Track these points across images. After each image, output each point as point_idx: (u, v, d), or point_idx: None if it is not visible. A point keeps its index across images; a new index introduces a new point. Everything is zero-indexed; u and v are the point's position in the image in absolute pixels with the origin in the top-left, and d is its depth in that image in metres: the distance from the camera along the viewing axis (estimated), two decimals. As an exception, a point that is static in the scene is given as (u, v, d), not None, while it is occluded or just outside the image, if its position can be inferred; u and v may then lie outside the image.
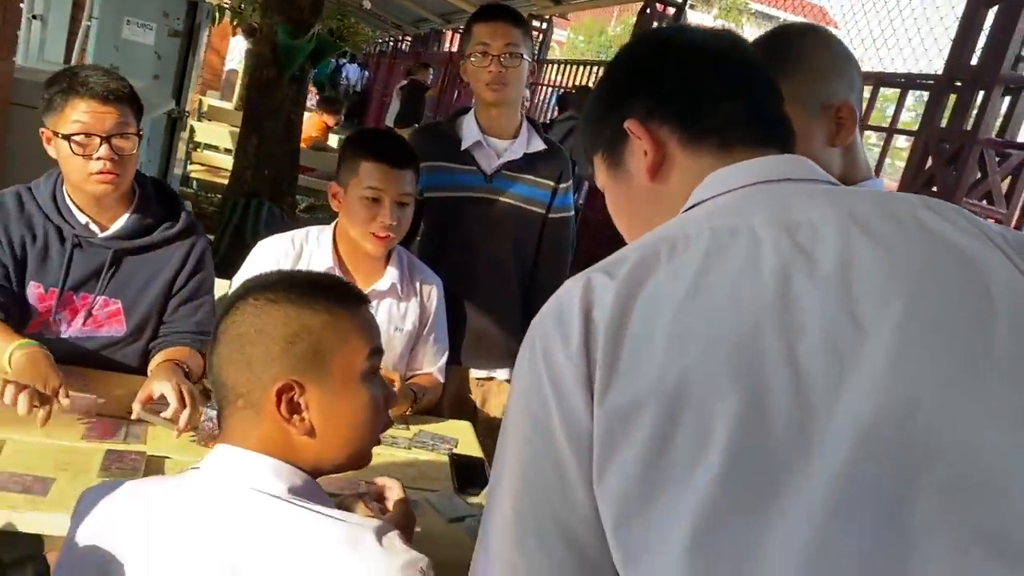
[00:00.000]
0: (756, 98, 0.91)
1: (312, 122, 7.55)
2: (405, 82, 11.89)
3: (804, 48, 1.45)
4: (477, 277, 2.36)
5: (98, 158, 1.77)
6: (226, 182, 6.32)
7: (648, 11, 5.88)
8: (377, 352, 1.16)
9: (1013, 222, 3.10)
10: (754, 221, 0.76)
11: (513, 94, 2.29)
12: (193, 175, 7.05)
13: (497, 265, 2.36)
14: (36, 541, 1.66)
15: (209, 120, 8.01)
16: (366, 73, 18.63)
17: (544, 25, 8.76)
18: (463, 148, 2.32)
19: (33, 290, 1.87)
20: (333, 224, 2.14)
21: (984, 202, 3.12)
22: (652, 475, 0.69)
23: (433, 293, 2.21)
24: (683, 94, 0.91)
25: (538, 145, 2.37)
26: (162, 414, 1.66)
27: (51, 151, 1.83)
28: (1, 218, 1.85)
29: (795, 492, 0.65)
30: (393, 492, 1.41)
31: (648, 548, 0.68)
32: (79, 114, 1.76)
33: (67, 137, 1.76)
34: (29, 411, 1.50)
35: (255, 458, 1.07)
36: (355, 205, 2.00)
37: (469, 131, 2.33)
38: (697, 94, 0.90)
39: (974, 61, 3.12)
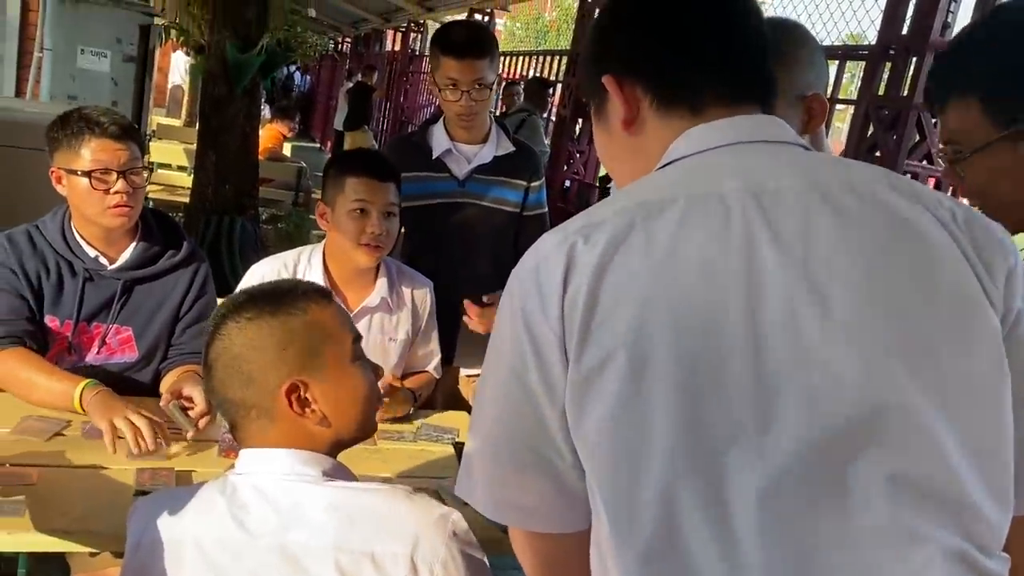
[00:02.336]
0: (735, 53, 0.91)
1: (268, 133, 7.55)
2: (351, 85, 11.90)
3: (783, 41, 1.55)
4: (458, 279, 2.45)
5: (115, 192, 1.88)
6: (183, 200, 6.31)
7: (589, -1, 6.02)
8: (358, 338, 1.29)
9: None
10: (724, 187, 0.81)
11: (482, 119, 2.41)
12: (149, 195, 7.02)
13: (477, 266, 2.47)
14: (63, 562, 1.76)
15: (159, 139, 7.96)
16: (307, 77, 18.52)
17: (487, 19, 8.85)
18: (434, 157, 2.43)
19: (49, 323, 1.96)
20: (322, 244, 2.24)
21: (924, 162, 3.31)
22: (621, 432, 0.76)
23: (426, 298, 2.31)
24: (656, 55, 0.91)
25: (507, 147, 2.48)
26: (190, 412, 1.78)
27: (61, 189, 1.92)
28: (16, 255, 1.94)
29: (751, 458, 0.75)
30: None
31: (620, 497, 0.78)
32: (95, 152, 1.87)
33: (87, 174, 1.86)
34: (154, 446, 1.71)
35: (284, 453, 1.18)
36: (344, 220, 2.10)
37: (439, 140, 2.44)
38: (671, 55, 0.91)
39: (904, 31, 3.30)
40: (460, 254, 2.47)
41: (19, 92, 5.83)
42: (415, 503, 1.14)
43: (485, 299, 2.04)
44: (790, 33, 1.54)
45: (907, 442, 0.75)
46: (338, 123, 11.62)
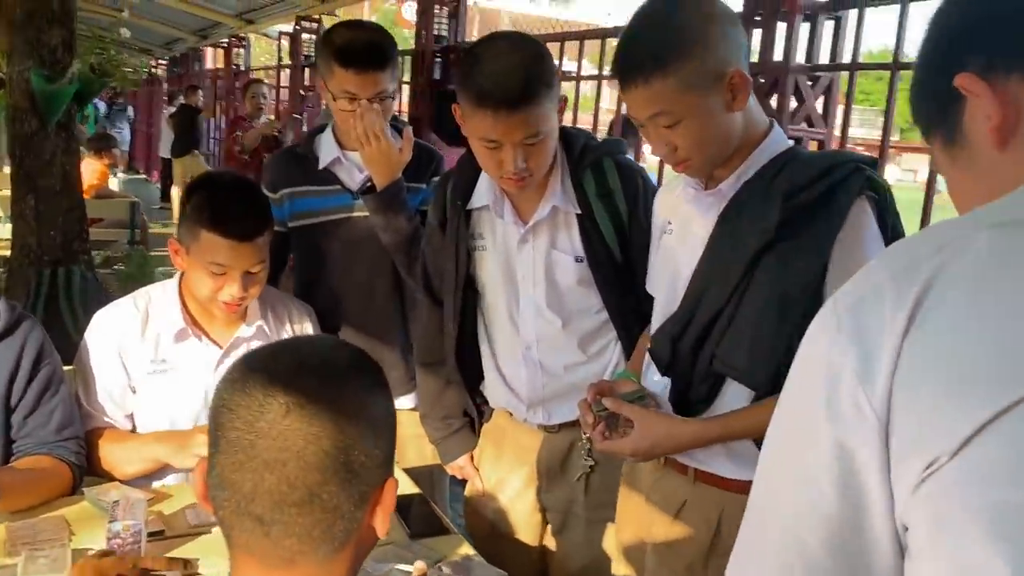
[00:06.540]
0: None
1: (91, 169, 6.90)
2: (174, 109, 11.25)
3: (686, 23, 1.38)
4: (358, 302, 2.18)
5: None
6: (3, 252, 5.68)
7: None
8: None
9: (833, 141, 3.26)
10: None
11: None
12: (-39, 254, 6.26)
13: (377, 286, 2.18)
14: None
15: (-38, 188, 7.15)
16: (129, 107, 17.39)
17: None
18: (322, 167, 2.13)
19: None
20: (176, 278, 1.90)
21: (804, 125, 3.27)
22: None
23: (307, 325, 2.05)
24: None
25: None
26: None
27: None
28: None
29: None
30: None
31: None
32: None
33: None
34: None
35: None
36: (198, 271, 1.79)
37: (327, 149, 2.13)
38: None
39: (770, -6, 3.24)
40: (358, 274, 2.16)
41: None
42: None
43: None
44: (696, 10, 1.40)
45: None
46: (164, 150, 10.95)
